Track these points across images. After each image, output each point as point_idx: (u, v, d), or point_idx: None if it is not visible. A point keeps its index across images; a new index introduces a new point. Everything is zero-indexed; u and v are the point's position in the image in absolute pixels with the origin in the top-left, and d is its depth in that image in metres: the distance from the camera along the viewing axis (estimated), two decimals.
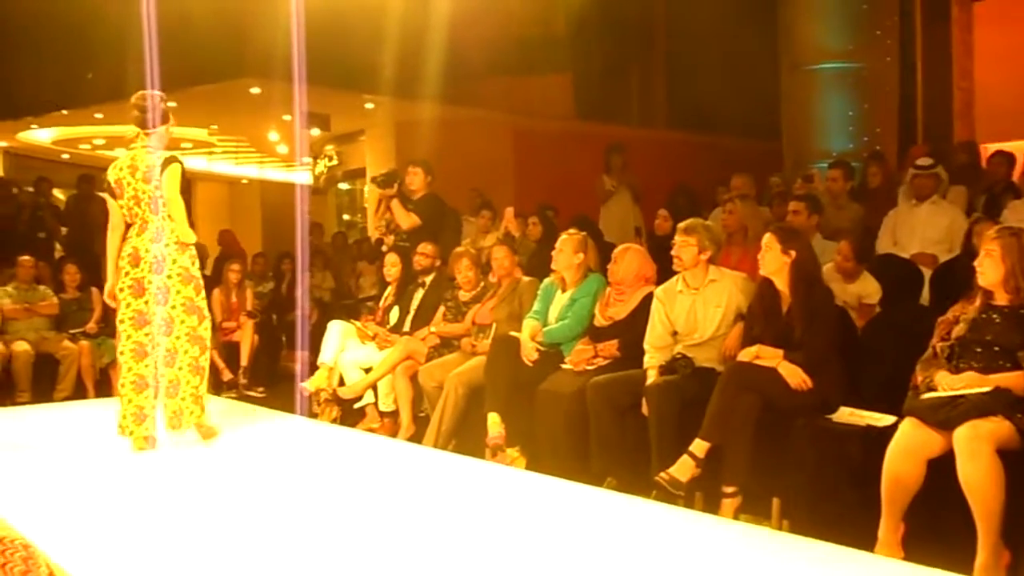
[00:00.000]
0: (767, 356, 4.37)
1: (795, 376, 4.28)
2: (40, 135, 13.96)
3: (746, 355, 4.44)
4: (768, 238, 4.52)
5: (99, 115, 12.42)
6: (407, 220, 7.30)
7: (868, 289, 5.42)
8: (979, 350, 3.75)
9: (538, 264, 6.73)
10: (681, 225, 5.02)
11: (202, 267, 10.37)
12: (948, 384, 3.70)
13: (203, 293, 5.10)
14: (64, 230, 10.95)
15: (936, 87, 11.03)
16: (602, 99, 13.53)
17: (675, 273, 5.01)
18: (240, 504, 3.96)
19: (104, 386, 8.18)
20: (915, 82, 10.95)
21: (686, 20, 12.93)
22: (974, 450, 3.39)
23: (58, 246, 10.77)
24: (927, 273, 5.77)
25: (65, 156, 15.10)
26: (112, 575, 3.13)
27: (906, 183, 6.86)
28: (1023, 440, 3.48)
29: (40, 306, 8.24)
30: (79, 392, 7.99)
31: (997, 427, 3.46)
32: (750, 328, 4.58)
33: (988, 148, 8.73)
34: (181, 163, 4.95)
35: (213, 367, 8.36)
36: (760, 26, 10.75)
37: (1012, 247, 3.76)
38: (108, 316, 8.48)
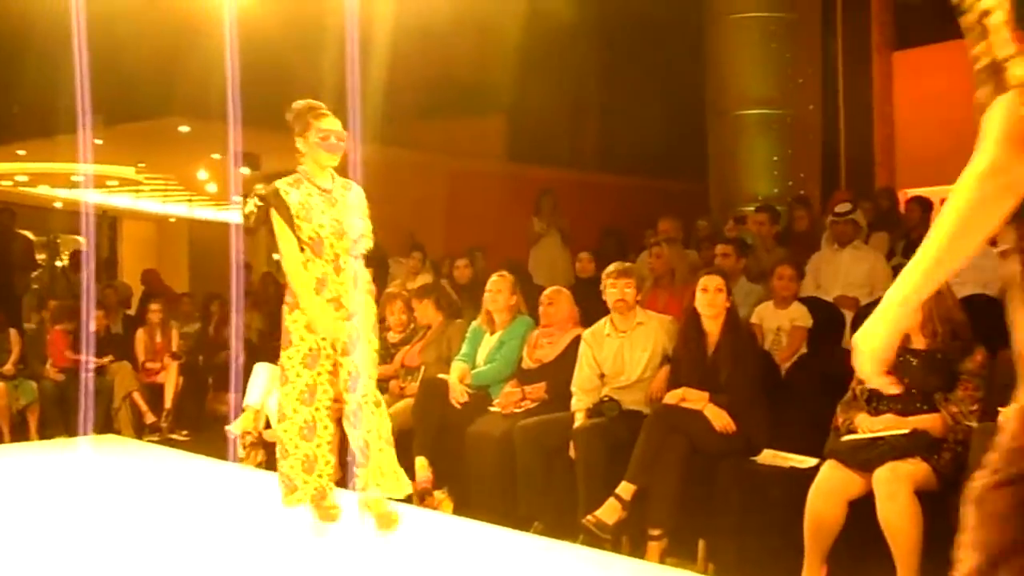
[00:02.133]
0: (693, 399, 4.41)
1: (720, 419, 4.32)
2: None
3: (672, 397, 4.48)
4: (718, 281, 4.58)
5: (22, 152, 12.16)
6: None
7: (799, 313, 5.53)
8: (897, 393, 3.82)
9: (467, 307, 6.71)
10: (617, 268, 5.03)
11: (127, 307, 10.24)
12: (868, 426, 3.78)
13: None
14: None
15: (858, 133, 11.33)
16: (535, 142, 13.64)
17: (597, 316, 5.04)
18: (149, 552, 3.84)
19: (20, 429, 7.93)
20: (838, 128, 11.23)
21: (618, 66, 13.14)
22: (893, 491, 3.46)
23: None
24: (849, 316, 5.89)
25: None
26: None
27: (828, 228, 7.01)
28: (940, 481, 3.56)
29: None
30: None
31: (915, 468, 3.54)
32: (676, 371, 4.63)
33: (908, 193, 8.97)
34: (263, 196, 4.09)
35: (136, 410, 8.22)
36: (689, 73, 10.96)
37: None
38: (26, 358, 8.27)
